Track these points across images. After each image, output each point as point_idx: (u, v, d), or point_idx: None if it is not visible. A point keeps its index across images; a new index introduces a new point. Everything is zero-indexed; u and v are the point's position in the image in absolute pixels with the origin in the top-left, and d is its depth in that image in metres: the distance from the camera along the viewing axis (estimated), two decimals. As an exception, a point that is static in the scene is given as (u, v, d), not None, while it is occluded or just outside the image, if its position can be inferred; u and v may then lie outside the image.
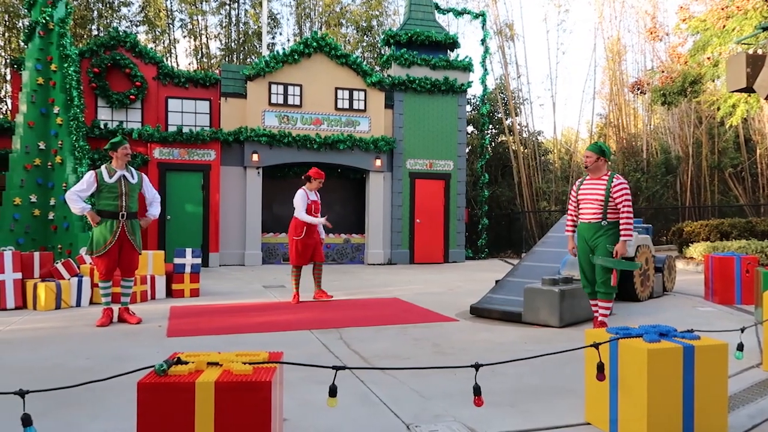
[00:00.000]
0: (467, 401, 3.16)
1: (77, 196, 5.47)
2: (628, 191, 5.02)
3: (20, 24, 17.37)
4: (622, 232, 4.97)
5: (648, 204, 18.17)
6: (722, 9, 12.24)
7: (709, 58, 12.98)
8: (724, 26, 12.05)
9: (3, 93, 17.42)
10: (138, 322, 5.70)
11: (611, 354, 2.77)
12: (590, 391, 2.94)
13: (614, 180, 5.06)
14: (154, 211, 5.87)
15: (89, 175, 5.54)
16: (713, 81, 14.19)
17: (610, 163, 5.31)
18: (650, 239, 7.53)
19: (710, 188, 18.63)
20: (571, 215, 5.34)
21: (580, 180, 5.32)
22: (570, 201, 5.39)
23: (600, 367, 2.54)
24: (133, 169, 5.74)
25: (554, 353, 2.75)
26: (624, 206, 4.97)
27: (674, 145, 19.88)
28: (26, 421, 1.79)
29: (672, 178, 18.75)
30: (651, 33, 19.27)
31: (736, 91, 8.54)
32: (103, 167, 5.62)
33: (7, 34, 17.72)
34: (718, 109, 13.44)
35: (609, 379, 2.77)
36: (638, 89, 18.18)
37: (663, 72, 15.63)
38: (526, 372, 3.86)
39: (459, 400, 3.27)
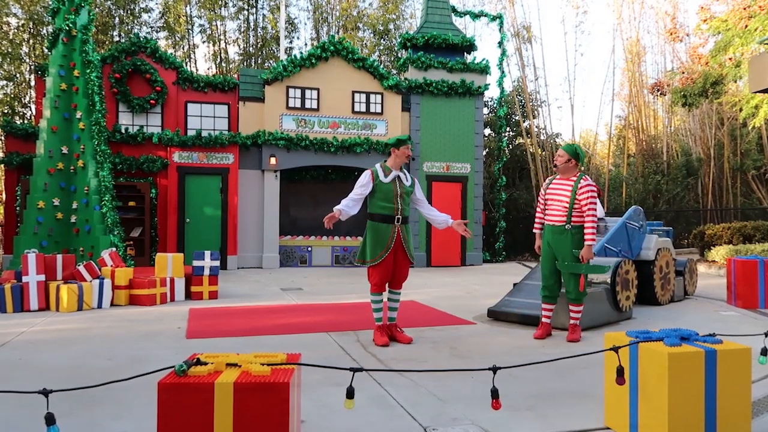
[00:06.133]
0: (485, 404, 3.14)
1: (348, 202, 4.77)
2: (595, 193, 4.90)
3: (44, 31, 17.73)
4: (586, 236, 4.84)
5: (668, 206, 17.93)
6: (744, 9, 12.07)
7: (730, 59, 12.79)
8: (746, 26, 11.87)
9: (27, 98, 17.78)
10: (409, 341, 4.95)
11: (631, 358, 2.74)
12: (610, 396, 2.91)
13: (581, 181, 4.92)
14: (441, 216, 5.07)
15: (365, 175, 4.89)
16: (735, 82, 13.99)
17: (582, 167, 5.16)
18: (671, 242, 7.43)
19: (732, 190, 18.33)
20: (538, 215, 5.27)
21: (550, 179, 5.21)
22: (538, 200, 5.28)
23: (620, 371, 2.51)
24: (407, 172, 5.09)
25: (573, 357, 2.73)
26: (588, 209, 4.84)
27: (695, 146, 19.60)
28: (50, 420, 1.82)
29: (693, 180, 18.48)
30: (671, 34, 19.07)
31: (759, 91, 8.42)
32: (378, 166, 4.97)
33: (31, 41, 18.08)
34: (741, 110, 13.23)
35: (629, 383, 2.74)
36: (658, 91, 17.99)
37: (683, 73, 15.46)
38: (545, 376, 3.83)
39: (476, 404, 3.25)
